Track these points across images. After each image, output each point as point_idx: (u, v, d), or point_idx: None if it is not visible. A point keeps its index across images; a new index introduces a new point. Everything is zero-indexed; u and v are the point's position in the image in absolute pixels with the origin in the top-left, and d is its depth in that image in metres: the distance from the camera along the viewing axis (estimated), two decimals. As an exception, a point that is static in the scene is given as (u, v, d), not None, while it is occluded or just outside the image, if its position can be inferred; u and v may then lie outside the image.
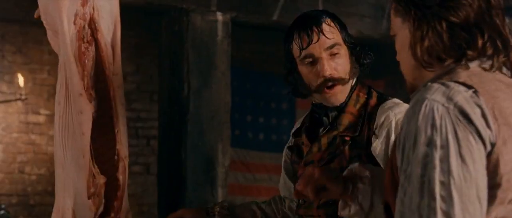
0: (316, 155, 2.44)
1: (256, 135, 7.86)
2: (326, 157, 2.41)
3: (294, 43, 2.44)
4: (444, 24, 1.66)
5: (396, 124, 2.32)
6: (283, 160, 2.71)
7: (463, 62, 1.67)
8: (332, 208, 2.38)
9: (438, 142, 1.53)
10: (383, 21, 6.33)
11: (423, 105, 1.57)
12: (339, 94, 2.42)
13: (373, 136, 2.36)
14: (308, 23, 2.42)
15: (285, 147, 2.70)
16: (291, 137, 2.64)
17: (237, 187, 7.48)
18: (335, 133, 2.42)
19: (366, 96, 2.46)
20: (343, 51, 2.42)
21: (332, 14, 2.46)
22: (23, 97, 7.33)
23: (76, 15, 2.49)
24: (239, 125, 7.60)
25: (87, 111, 2.44)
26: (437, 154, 1.52)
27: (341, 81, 2.41)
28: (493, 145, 1.56)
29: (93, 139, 2.47)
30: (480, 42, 1.67)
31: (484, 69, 1.67)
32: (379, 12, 6.35)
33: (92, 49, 2.55)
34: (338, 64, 2.41)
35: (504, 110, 1.59)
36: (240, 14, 5.80)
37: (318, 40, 2.39)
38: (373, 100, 2.45)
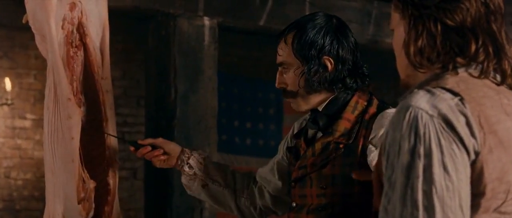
0: (309, 159, 2.44)
1: (243, 140, 7.86)
2: (319, 162, 2.41)
3: None
4: (439, 26, 1.65)
5: None
6: (280, 156, 2.70)
7: (451, 67, 1.67)
8: (322, 214, 2.39)
9: (422, 151, 1.52)
10: (369, 26, 6.35)
11: (408, 113, 1.55)
12: (295, 104, 2.51)
13: (370, 145, 2.36)
14: (276, 36, 2.58)
15: (284, 143, 2.70)
16: (292, 136, 2.65)
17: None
18: (330, 138, 2.42)
19: (365, 103, 2.46)
20: (292, 69, 2.49)
21: (298, 28, 2.50)
22: (9, 102, 7.30)
23: (64, 19, 2.49)
24: (226, 130, 7.60)
25: (76, 115, 2.43)
26: (421, 163, 1.51)
27: (290, 93, 2.50)
28: (477, 153, 1.55)
29: (82, 144, 2.46)
30: (473, 47, 1.65)
31: (473, 75, 1.67)
32: (366, 18, 6.36)
33: (80, 53, 2.55)
34: (287, 79, 2.50)
35: (490, 118, 1.59)
36: (227, 19, 5.80)
37: (276, 55, 2.54)
38: (372, 109, 2.44)
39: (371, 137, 2.36)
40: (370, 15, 6.37)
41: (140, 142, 2.68)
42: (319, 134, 2.48)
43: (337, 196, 2.38)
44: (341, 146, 2.39)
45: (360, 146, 2.38)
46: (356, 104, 2.45)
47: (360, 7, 6.36)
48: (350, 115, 2.44)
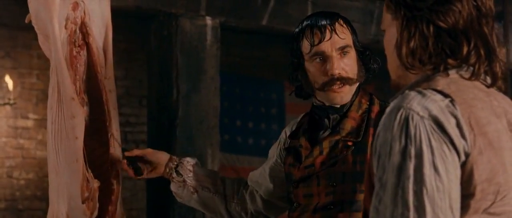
0: (318, 158, 2.42)
1: (245, 139, 7.86)
2: (328, 161, 2.40)
3: (305, 39, 2.45)
4: (431, 28, 1.66)
5: None
6: (273, 160, 2.68)
7: (442, 69, 1.68)
8: (330, 212, 2.39)
9: (412, 152, 1.53)
10: (371, 26, 6.35)
11: (399, 114, 1.56)
12: (345, 94, 2.43)
13: None
14: (322, 21, 2.44)
15: (278, 147, 2.67)
16: (286, 138, 2.62)
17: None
18: (337, 137, 2.42)
19: (368, 102, 2.48)
20: (353, 53, 2.45)
21: (344, 17, 2.49)
22: (11, 101, 7.30)
23: (67, 19, 2.49)
24: (228, 129, 7.60)
25: (80, 115, 2.43)
26: (411, 164, 1.52)
27: (349, 81, 2.42)
28: (467, 155, 1.55)
29: (86, 143, 2.46)
30: (465, 50, 1.66)
31: (464, 77, 1.67)
32: (368, 18, 6.36)
33: (83, 53, 2.55)
34: (347, 65, 2.43)
35: (481, 120, 1.59)
36: (229, 19, 5.80)
37: (330, 38, 2.41)
38: (375, 107, 2.47)
39: None
40: (372, 15, 6.37)
41: (127, 154, 2.66)
42: (325, 133, 2.47)
43: (348, 193, 2.38)
44: (349, 143, 2.39)
45: (369, 144, 2.36)
46: (360, 104, 2.46)
47: (362, 6, 6.36)
48: (355, 113, 2.44)
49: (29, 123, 7.57)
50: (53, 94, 2.45)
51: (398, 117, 1.57)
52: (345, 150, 2.39)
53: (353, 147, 2.39)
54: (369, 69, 2.50)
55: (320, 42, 2.41)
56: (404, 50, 1.68)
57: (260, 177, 2.72)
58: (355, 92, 2.48)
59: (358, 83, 2.48)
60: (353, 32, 2.48)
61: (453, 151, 1.54)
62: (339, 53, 2.42)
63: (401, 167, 1.53)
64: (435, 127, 1.55)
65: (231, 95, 7.67)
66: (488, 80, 1.71)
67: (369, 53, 2.50)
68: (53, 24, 2.44)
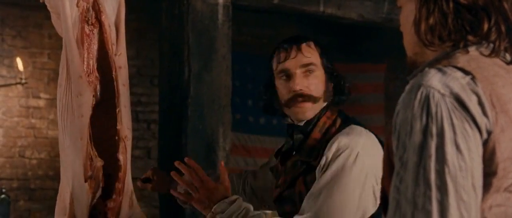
0: (282, 178, 2.51)
1: (257, 119, 7.86)
2: (288, 180, 2.47)
3: (274, 57, 2.57)
4: (451, 4, 1.65)
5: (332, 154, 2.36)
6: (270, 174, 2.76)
7: (461, 45, 1.65)
8: None
9: (434, 130, 1.51)
10: (384, 4, 6.30)
11: (419, 92, 1.55)
12: (308, 111, 2.49)
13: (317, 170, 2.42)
14: (290, 41, 2.55)
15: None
16: (274, 158, 2.72)
17: (237, 171, 7.47)
18: (297, 157, 2.48)
19: (330, 122, 2.50)
20: (319, 73, 2.50)
21: (316, 40, 2.56)
22: (23, 81, 7.31)
23: (79, -3, 2.49)
24: (240, 108, 7.59)
25: (87, 93, 2.43)
26: (433, 142, 1.50)
27: (311, 98, 2.48)
28: (489, 132, 1.54)
29: (97, 121, 2.46)
30: (485, 26, 1.65)
31: (483, 54, 1.65)
32: (381, -5, 6.32)
33: (96, 31, 2.55)
34: (311, 83, 2.49)
35: (502, 97, 1.58)
36: (240, -2, 5.78)
37: (295, 57, 2.50)
38: (333, 129, 2.48)
39: (321, 161, 2.39)
40: (385, -7, 6.32)
41: (145, 175, 2.91)
42: (293, 153, 2.53)
43: None
44: (305, 164, 2.45)
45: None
46: (324, 124, 2.49)
47: (375, -15, 6.31)
48: (317, 134, 2.48)
49: (41, 103, 7.58)
50: (63, 72, 2.46)
51: (418, 95, 1.55)
52: (301, 170, 2.44)
53: (306, 167, 2.43)
54: (339, 91, 2.55)
55: (285, 60, 2.51)
56: (423, 26, 1.66)
57: (260, 172, 2.85)
58: (322, 111, 2.51)
59: (325, 103, 2.52)
60: (323, 54, 2.53)
61: (475, 129, 1.52)
62: (303, 71, 2.49)
63: (422, 146, 1.51)
64: (456, 104, 1.52)
65: (243, 75, 7.66)
66: (508, 57, 1.68)
67: (338, 75, 2.55)
68: (64, 2, 2.44)
